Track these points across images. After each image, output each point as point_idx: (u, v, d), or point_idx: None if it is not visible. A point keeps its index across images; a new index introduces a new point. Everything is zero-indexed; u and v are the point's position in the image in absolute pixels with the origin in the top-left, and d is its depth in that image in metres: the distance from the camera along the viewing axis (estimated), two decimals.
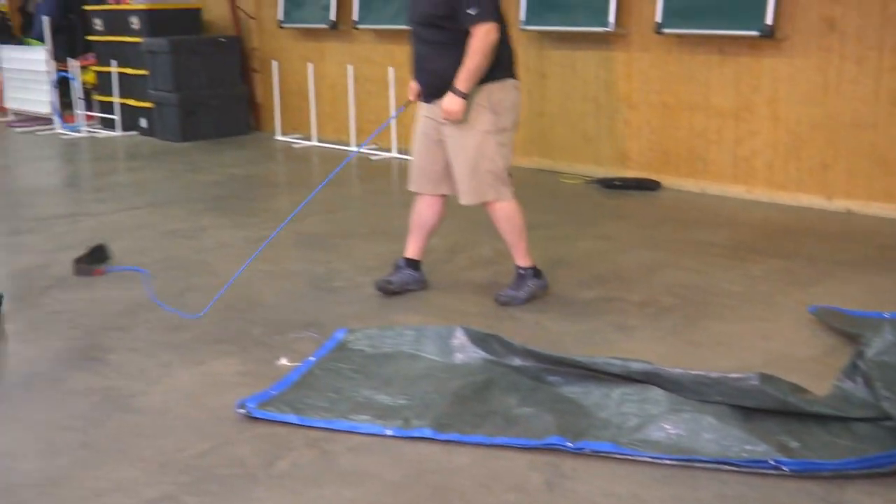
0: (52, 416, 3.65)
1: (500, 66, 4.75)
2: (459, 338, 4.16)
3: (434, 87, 4.80)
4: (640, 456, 3.24)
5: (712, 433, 3.34)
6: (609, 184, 7.60)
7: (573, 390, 3.76)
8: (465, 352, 4.09)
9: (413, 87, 5.01)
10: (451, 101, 4.64)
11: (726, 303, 4.84)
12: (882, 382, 3.61)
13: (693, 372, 3.69)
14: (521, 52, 8.29)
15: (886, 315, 4.43)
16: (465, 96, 4.63)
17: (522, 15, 8.11)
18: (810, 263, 5.45)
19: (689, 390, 3.61)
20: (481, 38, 4.56)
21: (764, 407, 3.48)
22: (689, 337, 4.40)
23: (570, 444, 3.30)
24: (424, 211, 5.08)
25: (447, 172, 4.91)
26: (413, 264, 5.14)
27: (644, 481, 3.10)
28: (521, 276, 4.97)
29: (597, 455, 3.25)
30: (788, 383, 3.63)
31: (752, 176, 7.16)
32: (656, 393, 3.60)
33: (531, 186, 7.70)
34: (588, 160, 8.10)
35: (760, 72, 7.02)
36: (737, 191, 7.23)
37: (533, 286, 4.95)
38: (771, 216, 6.64)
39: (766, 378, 3.59)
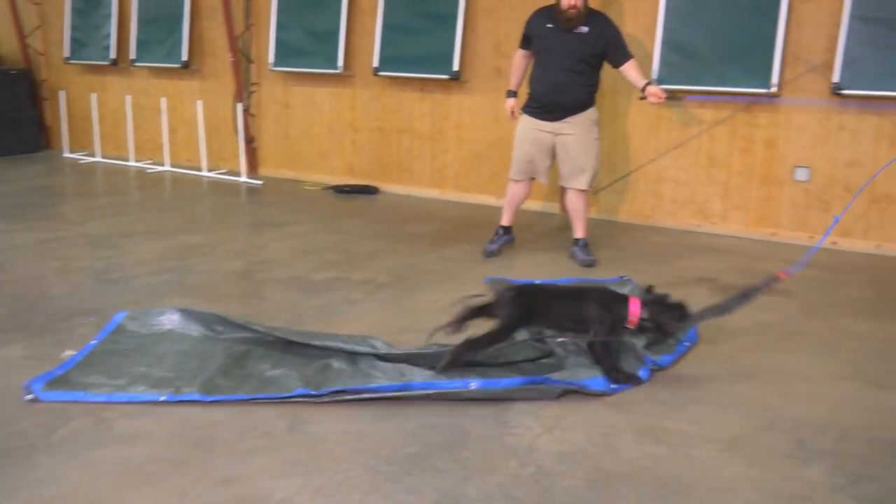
0: None
1: (596, 95, 5.21)
2: (218, 318, 3.88)
3: (569, 106, 5.10)
4: (369, 390, 3.15)
5: (421, 376, 3.33)
6: (340, 189, 7.50)
7: (313, 354, 3.62)
8: (227, 329, 3.84)
9: (512, 105, 5.31)
10: (657, 89, 5.04)
11: (429, 278, 4.87)
12: (543, 331, 3.70)
13: (405, 350, 3.56)
14: (271, 87, 8.14)
15: (538, 281, 4.57)
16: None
17: (271, 58, 7.83)
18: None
19: (403, 362, 3.50)
20: (637, 63, 5.17)
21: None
22: (401, 305, 4.39)
23: (313, 392, 3.17)
24: (521, 192, 5.38)
25: (545, 166, 5.27)
26: (509, 230, 5.46)
27: (368, 420, 3.03)
28: (587, 244, 5.30)
29: (333, 402, 3.13)
30: None
31: (445, 182, 7.30)
32: (376, 361, 3.51)
33: (281, 193, 7.49)
34: (324, 171, 7.96)
35: (450, 105, 7.15)
36: (434, 193, 7.35)
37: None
38: (460, 212, 6.79)
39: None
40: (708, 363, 3.61)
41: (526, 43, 5.26)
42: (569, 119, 5.14)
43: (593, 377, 3.27)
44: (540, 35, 5.11)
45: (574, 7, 4.94)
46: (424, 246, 5.61)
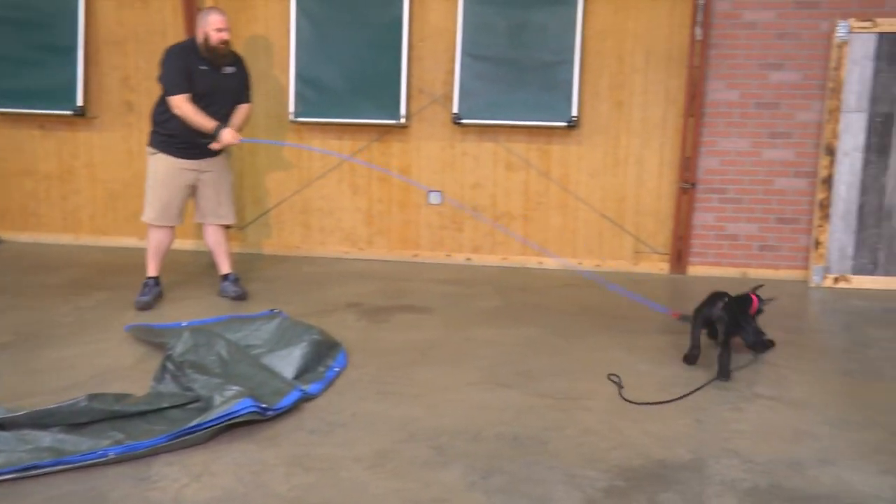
0: None
1: None
2: None
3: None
4: None
5: (50, 443, 3.04)
6: None
7: None
8: None
9: (229, 132, 4.99)
10: (230, 136, 4.98)
11: (61, 332, 4.48)
12: (189, 374, 3.64)
13: (27, 411, 3.24)
14: None
15: (184, 323, 4.46)
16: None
17: None
18: (129, 292, 5.28)
19: (27, 426, 3.18)
20: (249, 110, 5.27)
21: (96, 419, 3.24)
22: (28, 366, 3.97)
23: None
24: (167, 238, 5.13)
25: (183, 207, 5.12)
26: (159, 280, 5.18)
27: None
28: (237, 278, 5.31)
29: None
30: (114, 394, 3.40)
31: (79, 226, 6.78)
32: None
33: None
34: None
35: (78, 143, 6.67)
36: (67, 238, 6.78)
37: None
38: (98, 257, 6.33)
39: (93, 396, 3.30)
40: (356, 386, 3.76)
41: (188, 84, 4.88)
42: (210, 157, 5.09)
43: (241, 401, 3.24)
44: (195, 75, 4.91)
45: (225, 42, 4.92)
46: (56, 297, 5.14)
